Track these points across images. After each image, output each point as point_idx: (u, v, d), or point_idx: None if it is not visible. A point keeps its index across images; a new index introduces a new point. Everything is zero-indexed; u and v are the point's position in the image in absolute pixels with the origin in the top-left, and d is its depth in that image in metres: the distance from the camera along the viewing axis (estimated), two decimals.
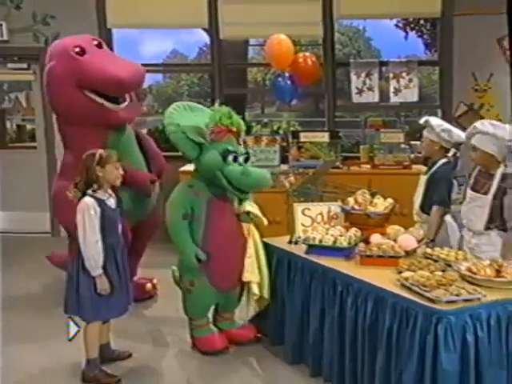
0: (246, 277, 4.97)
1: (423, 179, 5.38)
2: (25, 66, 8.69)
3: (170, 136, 4.94)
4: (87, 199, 4.32)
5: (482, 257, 4.47)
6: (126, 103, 5.68)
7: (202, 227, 4.92)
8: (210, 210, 4.91)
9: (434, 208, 5.16)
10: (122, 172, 4.51)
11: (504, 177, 4.69)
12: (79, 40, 5.70)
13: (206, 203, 4.90)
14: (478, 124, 4.79)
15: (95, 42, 5.75)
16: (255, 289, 4.97)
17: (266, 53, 7.91)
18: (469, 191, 4.88)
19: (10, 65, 8.77)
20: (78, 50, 5.55)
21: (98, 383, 4.53)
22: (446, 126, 5.29)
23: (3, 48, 8.54)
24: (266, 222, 5.07)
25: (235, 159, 4.86)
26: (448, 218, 5.16)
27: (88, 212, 4.30)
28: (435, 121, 5.32)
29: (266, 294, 5.02)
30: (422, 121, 5.41)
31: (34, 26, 8.44)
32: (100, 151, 4.42)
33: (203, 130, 4.86)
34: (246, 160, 4.96)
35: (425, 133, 5.37)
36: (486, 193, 4.73)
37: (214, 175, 4.84)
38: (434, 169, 5.29)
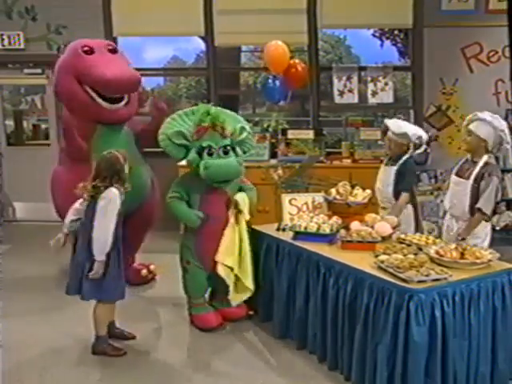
0: (219, 257, 4.88)
1: (387, 170, 5.42)
2: (39, 71, 8.67)
3: (160, 145, 4.98)
4: (115, 190, 4.34)
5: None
6: (121, 104, 5.65)
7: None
8: (202, 199, 4.93)
9: (403, 194, 5.25)
10: None
11: (486, 164, 4.71)
12: (92, 42, 5.75)
13: (200, 193, 4.91)
14: (478, 112, 4.79)
15: (110, 47, 5.76)
16: (221, 270, 4.87)
17: (263, 57, 7.92)
18: (453, 176, 4.91)
19: (26, 70, 8.74)
20: (86, 49, 5.60)
21: (106, 355, 4.58)
22: (403, 129, 5.32)
23: (20, 55, 8.57)
24: (247, 217, 4.97)
25: (211, 154, 4.84)
26: (446, 218, 5.07)
27: (114, 201, 4.32)
28: (393, 126, 5.36)
29: (250, 285, 4.97)
30: (382, 126, 5.52)
31: (48, 35, 8.43)
32: (121, 152, 4.51)
33: (185, 133, 4.88)
34: (226, 151, 4.88)
35: (388, 134, 5.41)
36: (468, 178, 4.75)
37: (196, 172, 4.88)
38: (400, 162, 5.32)
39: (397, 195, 5.29)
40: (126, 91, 5.65)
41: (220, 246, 4.89)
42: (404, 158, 5.33)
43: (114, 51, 5.77)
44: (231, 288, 4.94)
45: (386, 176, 5.38)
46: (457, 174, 4.89)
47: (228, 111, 5.20)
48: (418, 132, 5.37)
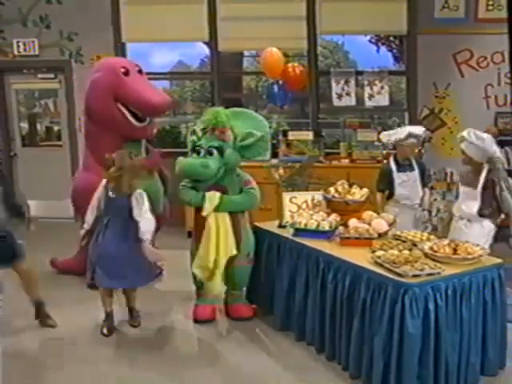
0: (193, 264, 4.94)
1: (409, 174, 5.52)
2: (52, 76, 8.70)
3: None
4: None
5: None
6: (146, 122, 5.76)
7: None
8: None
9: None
10: None
11: (489, 171, 4.73)
12: (126, 62, 5.91)
13: (203, 190, 4.91)
14: (465, 133, 4.79)
15: (137, 68, 5.84)
16: (195, 268, 4.91)
17: (260, 63, 7.95)
18: (461, 187, 4.93)
19: (39, 75, 8.77)
20: (123, 70, 5.68)
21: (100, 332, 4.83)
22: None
23: (34, 61, 8.63)
24: (205, 212, 4.83)
25: (198, 153, 4.87)
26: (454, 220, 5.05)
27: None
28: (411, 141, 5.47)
29: (216, 286, 4.91)
30: (404, 134, 5.48)
31: (61, 42, 8.47)
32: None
33: (197, 131, 4.98)
34: (210, 152, 4.83)
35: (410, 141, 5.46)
36: (476, 187, 4.76)
37: None
38: (415, 164, 5.56)
39: None
40: (163, 114, 5.95)
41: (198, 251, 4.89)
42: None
43: (141, 72, 5.88)
44: (204, 280, 4.96)
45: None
46: (465, 184, 4.90)
47: (247, 114, 5.16)
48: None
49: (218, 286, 4.93)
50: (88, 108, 5.86)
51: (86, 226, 4.88)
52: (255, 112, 5.39)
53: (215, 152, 4.85)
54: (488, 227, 4.79)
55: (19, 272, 4.85)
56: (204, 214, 4.84)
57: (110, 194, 4.70)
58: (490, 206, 4.74)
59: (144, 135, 5.85)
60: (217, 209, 4.84)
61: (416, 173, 5.52)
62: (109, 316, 4.91)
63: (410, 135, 5.45)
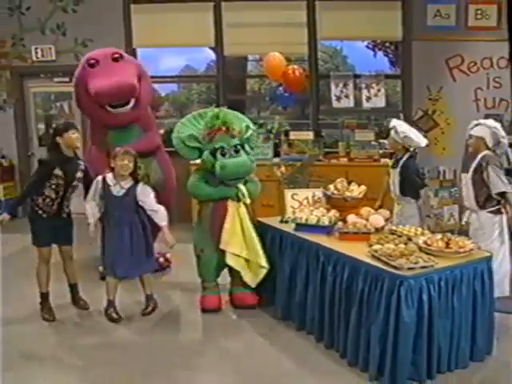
0: (223, 245, 4.91)
1: (393, 171, 5.31)
2: (67, 79, 8.68)
3: (175, 147, 5.04)
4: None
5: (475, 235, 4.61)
6: (126, 108, 5.44)
7: (210, 207, 5.02)
8: None
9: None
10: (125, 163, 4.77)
11: (484, 156, 4.73)
12: (99, 53, 5.59)
13: (215, 186, 4.94)
14: (473, 121, 4.91)
15: (115, 56, 5.54)
16: (229, 258, 4.92)
17: (263, 67, 7.96)
18: (461, 174, 4.99)
19: (56, 79, 8.86)
20: (91, 61, 5.48)
21: (109, 317, 4.89)
22: (408, 133, 5.17)
23: (51, 66, 8.75)
24: (248, 201, 4.99)
25: (224, 154, 4.84)
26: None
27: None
28: (400, 128, 5.17)
29: (262, 262, 4.90)
30: (390, 125, 5.26)
31: (75, 48, 8.54)
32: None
33: (197, 136, 4.92)
34: (237, 150, 4.89)
35: (392, 133, 5.21)
36: (468, 171, 4.81)
37: (211, 170, 4.90)
38: (401, 162, 5.22)
39: (404, 192, 5.25)
40: (117, 99, 5.36)
41: (222, 235, 4.90)
42: (405, 157, 5.26)
43: (117, 59, 5.55)
44: (243, 272, 4.96)
45: None
46: (462, 171, 4.97)
47: (234, 111, 5.18)
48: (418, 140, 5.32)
49: (265, 264, 4.94)
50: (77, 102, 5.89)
51: (91, 221, 4.88)
52: (258, 113, 5.41)
53: (241, 149, 4.91)
54: (485, 217, 4.76)
55: (64, 255, 5.03)
56: (248, 201, 4.96)
57: (115, 192, 4.75)
58: (484, 193, 4.72)
59: (119, 121, 5.49)
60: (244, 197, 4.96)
61: (396, 170, 5.24)
62: (112, 303, 4.95)
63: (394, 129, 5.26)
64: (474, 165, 4.76)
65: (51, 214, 4.84)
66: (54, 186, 4.77)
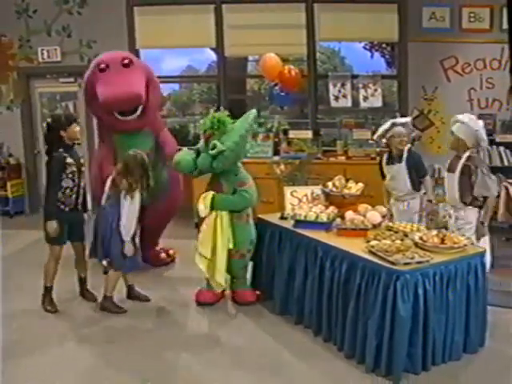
0: (196, 246, 4.85)
1: (397, 167, 5.27)
2: (72, 80, 8.77)
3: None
4: (139, 195, 4.83)
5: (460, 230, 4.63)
6: (134, 116, 5.44)
7: None
8: None
9: (427, 177, 5.33)
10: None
11: (469, 158, 4.72)
12: (109, 57, 5.56)
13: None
14: (459, 116, 4.83)
15: (125, 61, 5.51)
16: (197, 258, 4.81)
17: (259, 67, 7.98)
18: (445, 173, 4.96)
19: (61, 79, 8.86)
20: (102, 66, 5.45)
21: (109, 311, 4.89)
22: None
23: (57, 67, 8.76)
24: (202, 214, 4.80)
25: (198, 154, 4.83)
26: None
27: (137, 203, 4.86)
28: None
29: (219, 278, 4.80)
30: (387, 124, 5.33)
31: (80, 49, 8.59)
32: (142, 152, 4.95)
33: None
34: (197, 152, 4.88)
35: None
36: (454, 171, 4.79)
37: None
38: (404, 157, 5.23)
39: (415, 186, 5.29)
40: (124, 108, 5.38)
41: (199, 234, 4.85)
42: (405, 151, 5.30)
43: (128, 65, 5.50)
44: (208, 275, 4.88)
45: None
46: (448, 170, 4.93)
47: (236, 127, 4.82)
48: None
49: (221, 280, 4.83)
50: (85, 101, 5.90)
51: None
52: (258, 112, 5.37)
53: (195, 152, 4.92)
54: (470, 213, 4.77)
55: (77, 250, 5.10)
56: (202, 215, 4.79)
57: (126, 202, 4.76)
58: (470, 194, 4.72)
59: (126, 128, 5.48)
60: (211, 207, 4.80)
61: (403, 165, 5.22)
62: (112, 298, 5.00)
63: (394, 124, 5.31)
64: (459, 166, 4.75)
65: (71, 205, 4.90)
66: (70, 175, 4.83)
